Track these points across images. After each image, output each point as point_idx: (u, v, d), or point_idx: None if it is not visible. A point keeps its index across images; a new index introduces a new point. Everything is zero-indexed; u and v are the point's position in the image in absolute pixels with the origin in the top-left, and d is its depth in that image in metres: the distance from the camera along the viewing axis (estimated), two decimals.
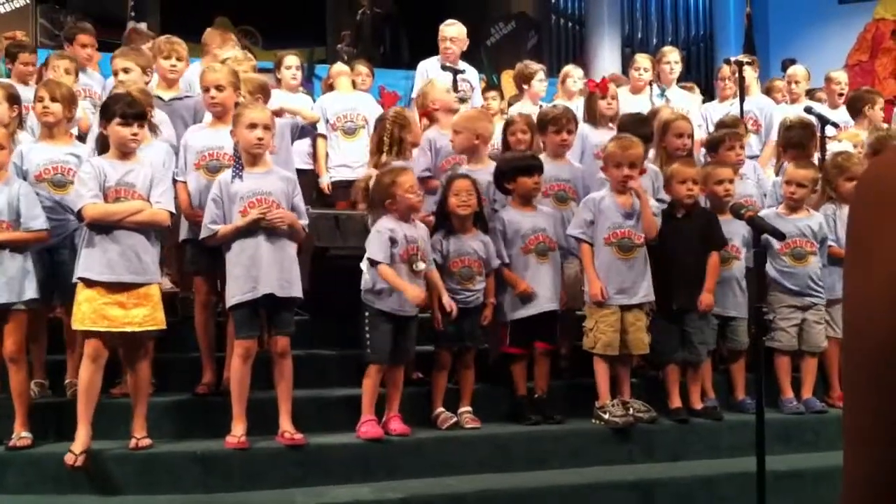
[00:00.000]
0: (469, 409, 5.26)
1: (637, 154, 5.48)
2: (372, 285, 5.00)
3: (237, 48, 6.67)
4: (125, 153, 4.78)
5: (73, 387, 5.10)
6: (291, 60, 7.69)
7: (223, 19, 14.38)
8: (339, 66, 7.77)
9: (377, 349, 4.97)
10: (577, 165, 6.08)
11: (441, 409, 5.24)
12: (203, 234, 4.92)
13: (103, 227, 4.66)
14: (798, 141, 6.52)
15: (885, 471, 0.88)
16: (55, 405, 5.09)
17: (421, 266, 5.03)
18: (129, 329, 4.65)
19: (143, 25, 10.33)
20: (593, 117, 6.58)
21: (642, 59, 8.08)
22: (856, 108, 7.94)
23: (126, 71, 5.82)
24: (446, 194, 5.32)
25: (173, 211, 4.88)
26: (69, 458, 4.50)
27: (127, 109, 4.75)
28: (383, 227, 5.01)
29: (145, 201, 4.73)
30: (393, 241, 4.97)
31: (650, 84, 7.91)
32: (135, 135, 4.78)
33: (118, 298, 4.63)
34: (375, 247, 4.98)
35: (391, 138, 5.58)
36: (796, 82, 8.31)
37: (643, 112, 6.83)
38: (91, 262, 4.64)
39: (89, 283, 4.62)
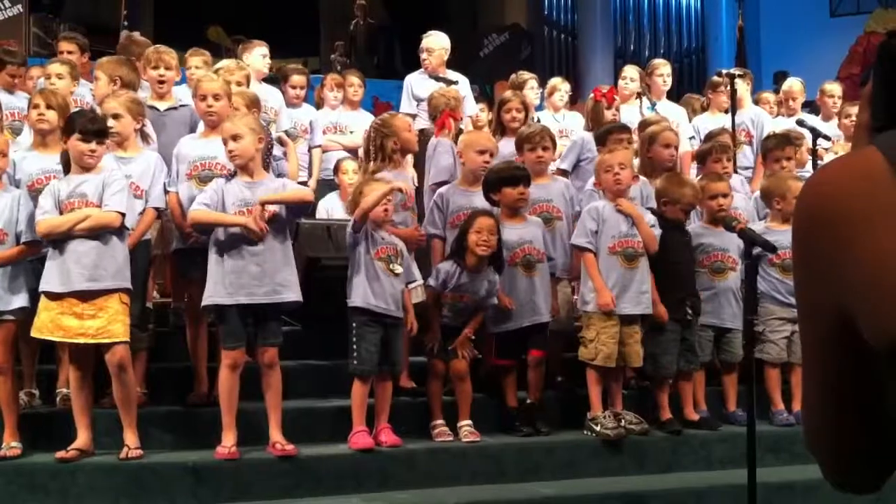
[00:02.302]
0: (469, 422, 5.22)
1: (625, 156, 5.52)
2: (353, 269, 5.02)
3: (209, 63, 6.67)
4: (83, 167, 4.78)
5: (63, 396, 5.10)
6: (297, 80, 7.71)
7: (216, 29, 14.39)
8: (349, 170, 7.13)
9: (363, 360, 4.96)
10: (557, 181, 6.07)
11: (440, 421, 5.22)
12: (193, 206, 4.90)
13: (57, 240, 4.67)
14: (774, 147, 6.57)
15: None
16: (45, 415, 5.08)
17: (398, 269, 5.03)
18: (81, 340, 4.64)
19: (136, 34, 10.31)
20: (599, 126, 6.57)
21: (629, 69, 8.16)
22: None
23: (96, 79, 5.81)
24: (467, 228, 5.28)
25: (123, 212, 4.76)
26: (60, 453, 4.57)
27: (88, 125, 4.75)
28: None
29: (95, 207, 4.71)
30: (371, 238, 5.01)
31: (640, 96, 7.94)
32: (93, 151, 4.76)
33: (74, 309, 4.62)
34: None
35: (375, 147, 5.57)
36: (793, 98, 8.31)
37: (631, 121, 6.93)
38: (50, 275, 4.66)
39: (51, 296, 4.64)
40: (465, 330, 5.30)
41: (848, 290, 1.05)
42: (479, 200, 5.61)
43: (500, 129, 6.24)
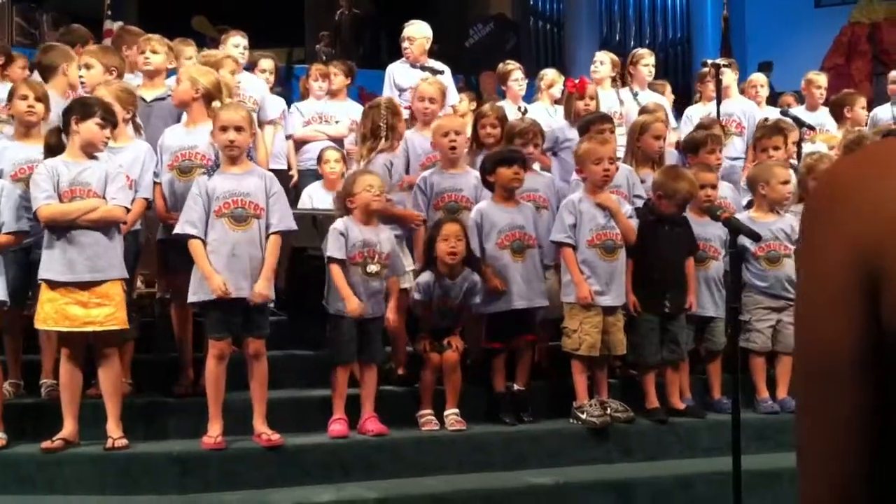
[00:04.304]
0: (456, 411, 5.23)
1: (614, 148, 5.54)
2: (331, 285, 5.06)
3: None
4: (88, 154, 4.76)
5: (48, 387, 5.08)
6: (266, 64, 7.75)
7: (200, 19, 14.30)
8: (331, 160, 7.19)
9: (340, 349, 4.99)
10: (544, 175, 6.10)
11: (428, 410, 5.23)
12: (177, 229, 4.88)
13: (61, 227, 4.65)
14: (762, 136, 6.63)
15: (837, 486, 0.90)
16: (31, 406, 5.06)
17: (373, 269, 5.05)
18: (90, 329, 4.65)
19: (119, 24, 10.26)
20: (570, 117, 6.64)
21: (600, 54, 8.21)
22: (836, 112, 7.96)
23: (88, 67, 5.77)
24: (434, 237, 5.30)
25: (129, 207, 4.87)
26: (46, 443, 4.57)
27: (107, 115, 4.79)
28: (337, 226, 5.08)
29: (101, 199, 4.72)
30: (350, 243, 5.03)
31: (615, 82, 7.95)
32: (107, 138, 4.82)
33: (79, 298, 4.63)
34: (330, 244, 5.07)
35: (386, 125, 5.59)
36: (761, 85, 8.36)
37: (610, 107, 7.03)
38: (52, 262, 4.65)
39: (52, 285, 4.62)
40: (456, 328, 5.34)
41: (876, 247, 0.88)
42: (461, 182, 5.69)
43: (476, 142, 6.17)
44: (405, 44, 7.54)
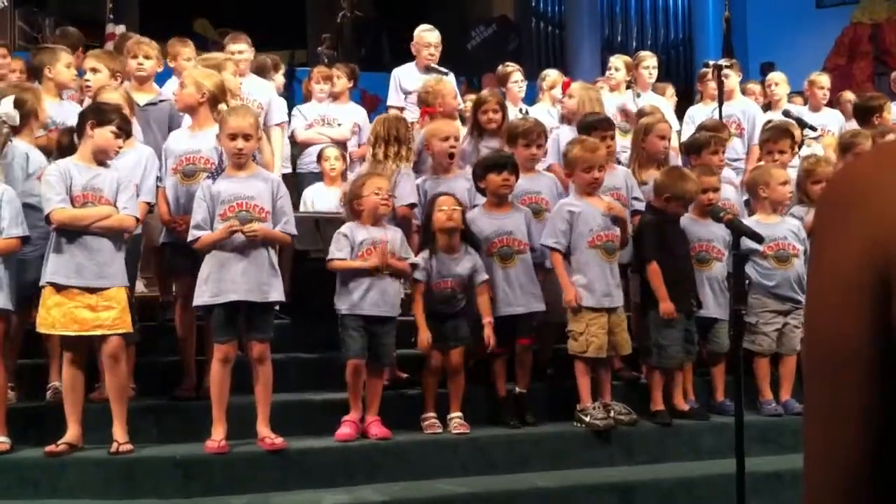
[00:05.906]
0: (459, 414, 5.23)
1: (604, 155, 5.53)
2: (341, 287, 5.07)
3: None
4: (98, 160, 4.77)
5: (55, 390, 5.07)
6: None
7: (202, 21, 14.34)
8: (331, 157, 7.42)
9: (349, 346, 4.99)
10: (546, 176, 6.06)
11: (431, 413, 5.23)
12: (189, 237, 4.90)
13: (71, 231, 4.66)
14: (768, 139, 6.64)
15: (839, 485, 0.89)
16: (35, 409, 5.06)
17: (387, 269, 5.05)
18: (99, 332, 4.65)
19: (121, 28, 10.28)
20: (562, 119, 6.68)
21: (615, 59, 8.21)
22: (863, 117, 7.83)
23: (94, 71, 5.76)
24: (430, 211, 5.29)
25: (139, 217, 4.91)
26: (50, 447, 4.56)
27: (123, 124, 4.82)
28: (341, 229, 5.11)
29: (112, 207, 4.74)
30: (357, 242, 5.04)
31: (627, 84, 7.96)
32: (120, 147, 4.84)
33: (88, 301, 4.64)
34: (332, 248, 5.09)
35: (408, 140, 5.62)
36: (776, 84, 8.35)
37: (624, 110, 7.05)
38: (59, 266, 4.64)
39: (58, 288, 4.62)
40: (486, 319, 5.24)
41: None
42: (454, 186, 5.65)
43: (477, 129, 6.17)
44: (430, 50, 7.45)
